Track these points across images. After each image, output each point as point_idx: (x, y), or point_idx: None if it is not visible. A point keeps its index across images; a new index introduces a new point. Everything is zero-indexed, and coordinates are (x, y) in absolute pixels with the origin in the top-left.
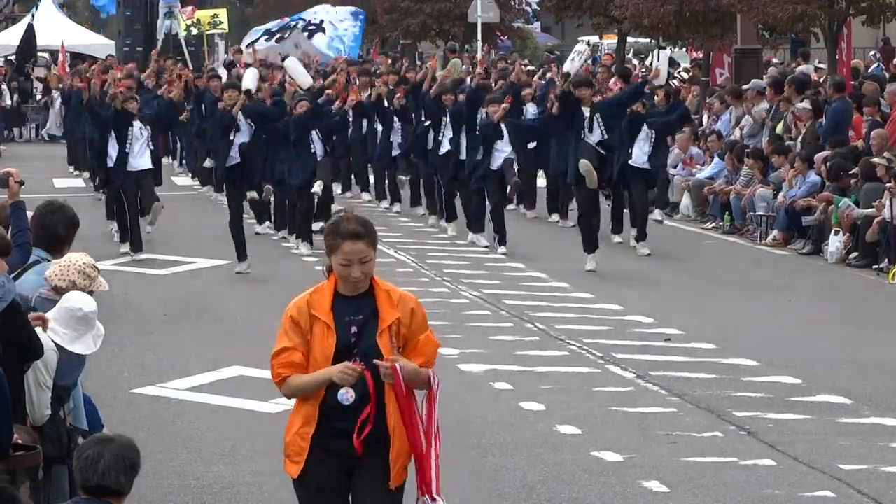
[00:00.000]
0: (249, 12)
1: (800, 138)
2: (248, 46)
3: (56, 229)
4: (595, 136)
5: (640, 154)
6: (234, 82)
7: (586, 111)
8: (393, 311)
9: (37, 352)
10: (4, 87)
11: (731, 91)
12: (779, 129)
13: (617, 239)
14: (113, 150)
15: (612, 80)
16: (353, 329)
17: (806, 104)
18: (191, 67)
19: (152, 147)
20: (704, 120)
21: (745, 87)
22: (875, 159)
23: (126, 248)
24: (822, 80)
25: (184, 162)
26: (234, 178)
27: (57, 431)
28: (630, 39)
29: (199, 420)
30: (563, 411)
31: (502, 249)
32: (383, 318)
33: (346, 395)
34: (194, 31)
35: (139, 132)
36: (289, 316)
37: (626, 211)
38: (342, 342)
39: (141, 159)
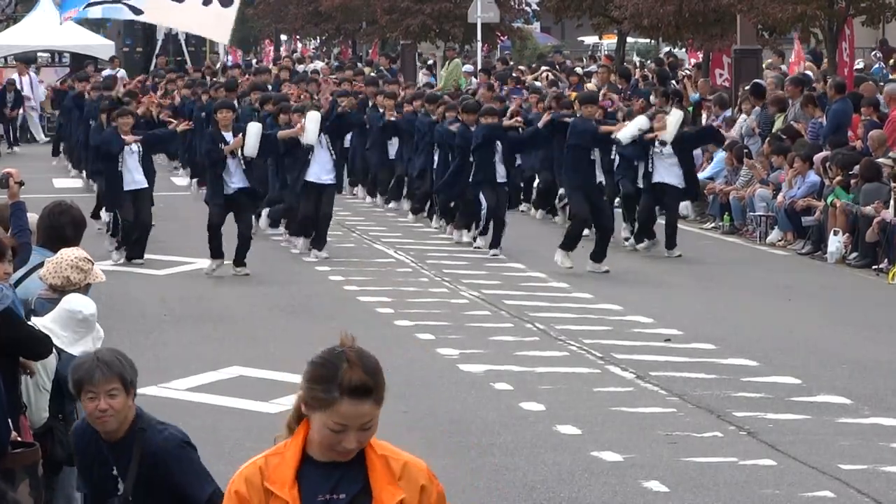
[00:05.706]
0: (249, 12)
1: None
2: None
3: (65, 230)
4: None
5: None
6: (228, 102)
7: None
8: (393, 491)
9: (41, 352)
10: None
11: (720, 100)
12: (776, 127)
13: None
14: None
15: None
16: None
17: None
18: (190, 66)
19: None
20: (704, 120)
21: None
22: (881, 160)
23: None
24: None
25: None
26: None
27: (66, 433)
28: (630, 39)
29: (199, 420)
30: (563, 411)
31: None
32: (379, 499)
33: None
34: None
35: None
36: (233, 492)
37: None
38: None
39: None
